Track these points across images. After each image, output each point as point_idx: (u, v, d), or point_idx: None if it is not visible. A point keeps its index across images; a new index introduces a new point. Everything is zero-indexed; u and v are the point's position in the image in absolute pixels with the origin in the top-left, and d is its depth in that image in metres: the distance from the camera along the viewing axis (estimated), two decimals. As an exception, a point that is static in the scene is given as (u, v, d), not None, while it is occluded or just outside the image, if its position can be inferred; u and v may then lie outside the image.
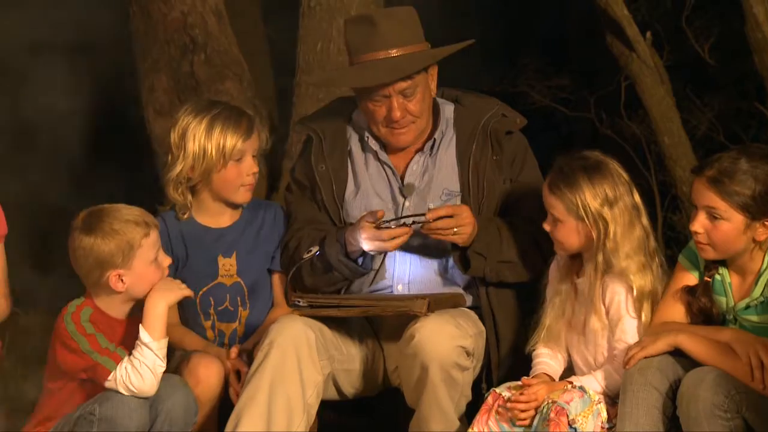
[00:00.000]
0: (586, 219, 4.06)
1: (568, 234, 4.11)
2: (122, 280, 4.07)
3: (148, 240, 4.09)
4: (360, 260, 4.29)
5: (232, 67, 5.92)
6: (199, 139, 4.35)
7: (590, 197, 4.06)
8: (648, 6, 6.44)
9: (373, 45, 4.27)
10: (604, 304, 4.10)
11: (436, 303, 4.08)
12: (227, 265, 4.46)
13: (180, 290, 4.13)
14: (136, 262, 4.07)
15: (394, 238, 4.18)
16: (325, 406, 4.18)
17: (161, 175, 4.47)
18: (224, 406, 4.23)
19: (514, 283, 4.34)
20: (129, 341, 4.08)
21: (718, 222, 3.91)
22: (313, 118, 4.55)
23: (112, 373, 3.98)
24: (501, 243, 4.27)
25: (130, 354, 4.01)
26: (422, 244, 4.33)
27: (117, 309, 4.14)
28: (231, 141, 4.35)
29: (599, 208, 4.06)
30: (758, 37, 5.42)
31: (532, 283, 4.35)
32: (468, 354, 4.08)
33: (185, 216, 4.45)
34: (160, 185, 5.85)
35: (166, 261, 4.17)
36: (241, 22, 6.21)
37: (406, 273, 4.35)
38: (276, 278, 4.49)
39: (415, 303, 4.04)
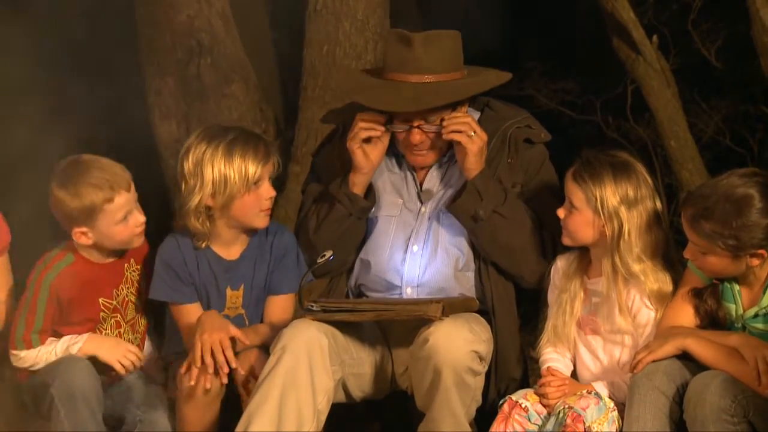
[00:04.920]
0: (601, 214, 4.07)
1: (582, 225, 4.13)
2: (87, 236, 4.31)
3: (110, 206, 4.27)
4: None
5: (239, 71, 5.92)
6: (218, 166, 4.29)
7: (610, 193, 4.08)
8: (654, 9, 6.43)
9: (406, 66, 4.25)
10: (630, 310, 4.10)
11: (449, 307, 4.08)
12: (234, 297, 4.45)
13: (123, 357, 4.31)
14: (100, 223, 4.30)
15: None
16: (332, 408, 4.17)
17: (176, 201, 4.44)
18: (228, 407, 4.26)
19: (512, 275, 4.34)
20: (107, 285, 4.38)
21: (705, 255, 3.92)
22: (344, 110, 4.52)
23: (22, 352, 4.27)
24: (505, 198, 4.27)
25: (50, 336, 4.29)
26: (433, 248, 4.34)
27: (95, 255, 4.38)
28: (252, 167, 4.30)
29: (617, 206, 4.07)
30: (765, 41, 5.40)
31: (529, 288, 4.36)
32: (481, 359, 4.08)
33: (203, 245, 4.42)
34: (166, 188, 5.89)
35: (138, 220, 4.34)
36: (247, 25, 6.20)
37: (416, 276, 4.36)
38: (276, 300, 4.45)
39: (429, 307, 4.04)
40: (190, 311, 4.40)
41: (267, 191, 4.37)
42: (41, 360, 4.28)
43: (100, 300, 4.39)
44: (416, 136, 4.29)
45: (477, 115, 4.45)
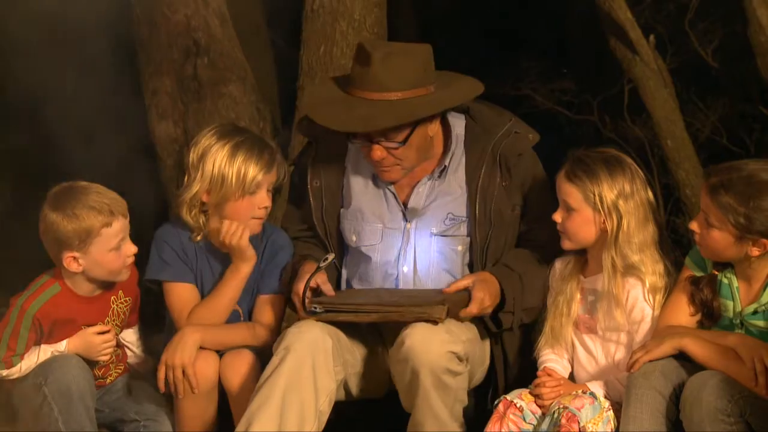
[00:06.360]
0: (601, 210, 4.08)
1: (582, 224, 4.13)
2: (77, 262, 4.18)
3: (108, 230, 4.17)
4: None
5: (235, 71, 5.92)
6: (219, 163, 4.27)
7: (607, 188, 4.09)
8: (651, 9, 6.45)
9: (365, 83, 4.17)
10: (625, 306, 4.11)
11: (454, 307, 4.07)
12: None
13: (102, 349, 4.27)
14: (93, 248, 4.18)
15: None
16: (332, 407, 4.17)
17: (174, 191, 4.42)
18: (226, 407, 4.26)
19: None
20: (92, 319, 4.26)
21: (711, 228, 3.92)
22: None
23: (4, 372, 4.18)
24: (523, 293, 4.25)
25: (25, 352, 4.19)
26: (425, 270, 4.33)
27: (82, 287, 4.27)
28: (252, 171, 4.28)
29: (615, 200, 4.09)
30: (761, 41, 5.42)
31: None
32: (460, 359, 4.05)
33: (198, 238, 4.39)
34: (163, 190, 5.89)
35: (131, 250, 4.25)
36: (244, 25, 6.21)
37: (412, 258, 4.33)
38: (266, 299, 4.42)
39: (434, 309, 4.02)
40: (186, 291, 4.38)
41: (262, 200, 4.34)
42: (23, 371, 4.22)
43: (83, 327, 4.30)
44: (377, 152, 4.20)
45: (461, 121, 4.37)
